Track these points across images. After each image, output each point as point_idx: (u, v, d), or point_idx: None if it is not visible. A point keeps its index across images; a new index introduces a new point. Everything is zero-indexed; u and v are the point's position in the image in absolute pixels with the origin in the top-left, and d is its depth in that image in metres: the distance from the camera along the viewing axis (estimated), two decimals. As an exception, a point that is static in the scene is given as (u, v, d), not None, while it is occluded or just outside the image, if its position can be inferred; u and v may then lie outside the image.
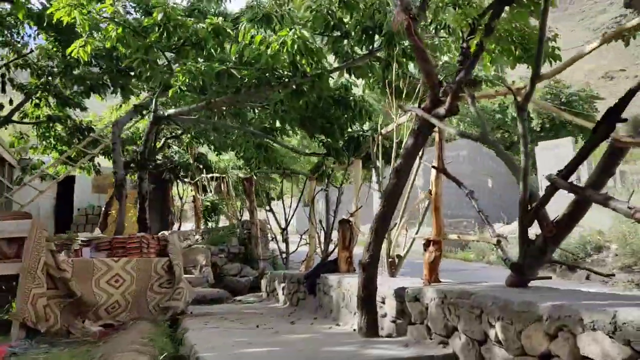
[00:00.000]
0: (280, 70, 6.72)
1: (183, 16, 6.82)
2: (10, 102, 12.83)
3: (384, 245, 4.87)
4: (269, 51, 6.05)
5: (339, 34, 6.70)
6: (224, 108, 7.99)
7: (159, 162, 15.90)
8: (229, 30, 6.63)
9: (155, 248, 7.22)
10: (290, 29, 5.88)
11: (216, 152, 14.78)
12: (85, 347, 4.62)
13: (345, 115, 7.85)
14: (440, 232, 4.18)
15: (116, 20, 6.66)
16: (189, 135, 14.12)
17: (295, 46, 5.79)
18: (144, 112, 8.76)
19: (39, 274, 5.00)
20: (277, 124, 8.09)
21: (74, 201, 19.18)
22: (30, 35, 14.64)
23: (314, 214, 7.95)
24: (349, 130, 8.08)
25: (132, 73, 8.24)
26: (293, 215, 9.21)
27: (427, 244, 4.14)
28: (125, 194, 8.30)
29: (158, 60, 7.01)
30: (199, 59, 6.72)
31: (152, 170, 16.14)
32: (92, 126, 13.43)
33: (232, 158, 14.45)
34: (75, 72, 9.20)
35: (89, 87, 9.20)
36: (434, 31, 6.49)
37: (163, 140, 15.07)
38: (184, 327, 5.77)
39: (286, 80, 6.78)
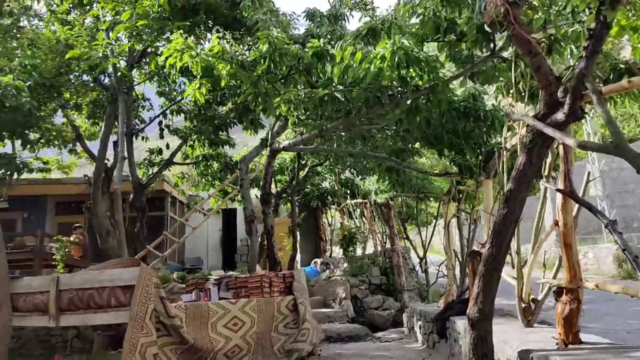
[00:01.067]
0: (390, 87, 6.06)
1: (288, 44, 6.55)
2: (167, 146, 13.98)
3: (516, 287, 3.90)
4: (371, 68, 5.46)
5: (453, 36, 5.84)
6: (342, 133, 7.54)
7: (306, 190, 16.08)
8: (332, 52, 6.18)
9: (279, 286, 6.95)
10: (390, 40, 5.22)
11: (360, 177, 14.46)
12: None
13: (477, 129, 6.87)
14: (575, 276, 3.13)
15: (224, 57, 6.63)
16: (330, 162, 14.02)
17: (396, 58, 5.11)
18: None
19: (147, 322, 4.96)
20: (400, 144, 7.40)
21: (236, 233, 20.27)
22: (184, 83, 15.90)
23: (449, 242, 7.02)
24: (487, 144, 7.07)
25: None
26: (430, 242, 8.32)
27: (559, 293, 3.13)
28: (255, 229, 8.25)
29: (268, 91, 6.82)
30: (300, 86, 6.38)
31: (300, 199, 16.39)
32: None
33: (378, 183, 14.01)
34: (209, 113, 9.55)
35: (216, 126, 9.48)
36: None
37: (307, 169, 15.18)
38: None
39: (398, 96, 6.09)
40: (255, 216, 8.40)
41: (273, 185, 16.80)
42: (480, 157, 6.70)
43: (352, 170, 13.83)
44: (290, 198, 15.24)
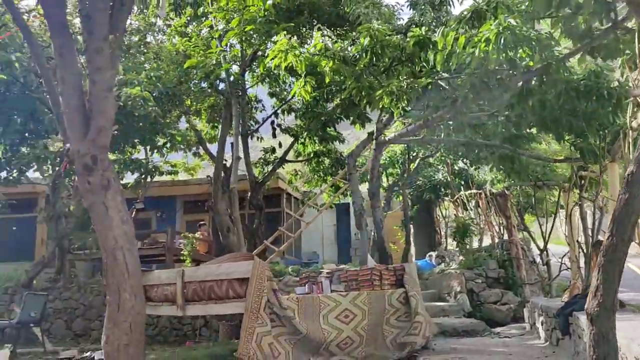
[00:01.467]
0: (498, 71, 5.76)
1: (390, 35, 6.49)
2: (280, 145, 14.51)
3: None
4: (476, 52, 5.23)
5: (568, 10, 5.41)
6: (450, 122, 7.29)
7: (418, 182, 15.82)
8: (435, 39, 6.02)
9: (389, 279, 6.93)
10: (495, 21, 4.97)
11: (474, 167, 13.93)
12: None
13: (601, 108, 6.31)
14: None
15: (326, 54, 6.73)
16: (441, 153, 13.68)
17: (502, 40, 4.85)
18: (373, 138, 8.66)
19: (261, 313, 5.21)
20: (513, 131, 7.01)
21: (351, 227, 20.46)
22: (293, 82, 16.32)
23: (572, 232, 6.53)
24: (613, 124, 6.46)
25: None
26: (550, 233, 7.79)
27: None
28: (365, 223, 8.30)
29: (372, 85, 6.81)
30: (402, 77, 6.28)
31: (412, 191, 16.16)
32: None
33: (492, 172, 13.42)
34: (316, 110, 9.75)
35: (323, 122, 9.65)
36: None
37: (418, 160, 14.94)
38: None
39: (507, 80, 5.78)
40: (365, 210, 8.44)
41: (384, 179, 16.77)
42: (604, 139, 6.14)
43: (464, 160, 13.38)
44: (401, 191, 15.11)
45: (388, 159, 15.98)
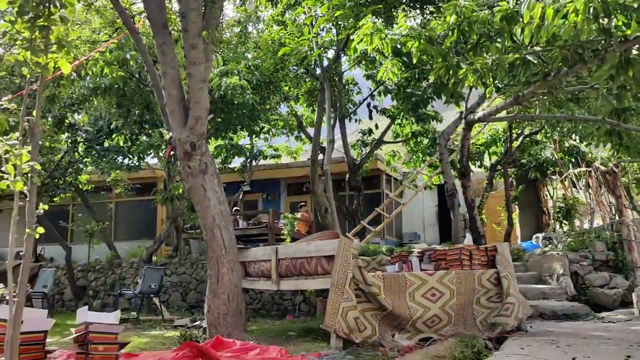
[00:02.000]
0: (592, 42, 5.42)
1: (476, 11, 6.34)
2: (376, 126, 14.60)
3: None
4: (566, 24, 4.99)
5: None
6: (545, 97, 6.95)
7: (522, 161, 15.14)
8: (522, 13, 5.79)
9: (480, 259, 6.87)
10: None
11: (586, 143, 13.08)
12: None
13: None
14: None
15: (412, 35, 6.74)
16: (546, 129, 12.99)
17: (591, 9, 4.59)
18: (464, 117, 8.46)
19: (346, 288, 5.45)
20: (616, 104, 6.53)
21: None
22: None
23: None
24: None
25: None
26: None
27: None
28: (458, 203, 8.21)
29: (459, 63, 6.71)
30: (489, 54, 6.10)
31: (516, 171, 15.50)
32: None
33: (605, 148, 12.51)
34: (408, 90, 9.73)
35: (414, 103, 9.59)
36: None
37: (521, 138, 14.28)
38: (501, 349, 5.28)
39: (602, 51, 5.43)
40: (457, 190, 8.35)
41: (486, 158, 16.24)
42: None
43: (574, 136, 12.60)
44: (503, 170, 14.56)
45: (490, 137, 15.45)
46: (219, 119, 9.44)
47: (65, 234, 15.85)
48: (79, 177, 13.25)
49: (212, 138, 9.73)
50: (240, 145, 12.62)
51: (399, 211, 12.71)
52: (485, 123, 14.56)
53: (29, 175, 1.85)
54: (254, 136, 10.82)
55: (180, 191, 10.97)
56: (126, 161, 12.18)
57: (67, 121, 10.22)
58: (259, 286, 6.92)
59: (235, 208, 16.04)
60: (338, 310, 5.32)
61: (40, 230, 1.86)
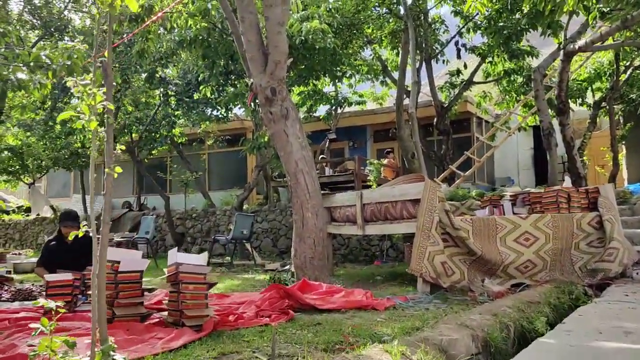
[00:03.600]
0: None
1: None
2: (465, 66, 13.82)
3: None
4: None
5: None
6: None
7: (631, 96, 13.78)
8: None
9: (580, 202, 6.40)
10: None
11: None
12: (474, 306, 4.61)
13: None
14: None
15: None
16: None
17: None
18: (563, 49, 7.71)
19: (433, 232, 5.29)
20: None
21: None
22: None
23: None
24: None
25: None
26: None
27: None
28: (555, 143, 7.63)
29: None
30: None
31: (621, 106, 14.18)
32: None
33: None
34: (499, 24, 9.03)
35: (506, 36, 8.87)
36: None
37: (630, 71, 12.93)
38: (602, 295, 4.95)
39: None
40: (554, 129, 7.75)
41: (589, 94, 14.96)
42: None
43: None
44: (609, 107, 13.36)
45: (593, 72, 14.17)
46: (301, 66, 9.35)
47: (163, 184, 16.85)
48: (173, 130, 13.89)
49: (295, 85, 9.67)
50: (325, 92, 12.47)
51: (490, 154, 12.15)
52: (587, 54, 13.35)
53: (105, 116, 1.86)
54: (337, 82, 10.58)
55: (267, 139, 11.14)
56: (215, 112, 12.52)
57: (157, 76, 10.59)
58: (345, 231, 6.94)
59: (321, 156, 16.16)
60: (424, 255, 5.20)
61: (118, 170, 1.89)
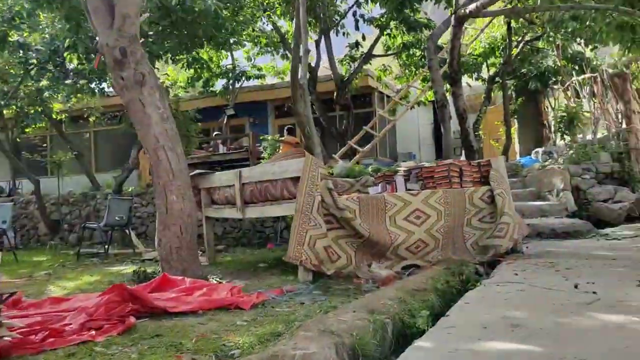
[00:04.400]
0: None
1: None
2: (363, 37, 13.40)
3: None
4: None
5: None
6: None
7: (523, 71, 14.07)
8: None
9: (472, 176, 6.09)
10: None
11: (590, 47, 11.97)
12: (357, 296, 4.08)
13: None
14: None
15: None
16: (549, 33, 11.84)
17: None
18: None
19: (314, 214, 4.70)
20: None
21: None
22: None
23: None
24: None
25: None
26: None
27: None
28: (449, 115, 7.32)
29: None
30: None
31: (516, 82, 14.47)
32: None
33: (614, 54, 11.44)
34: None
35: (399, 2, 8.44)
36: None
37: (521, 45, 13.13)
38: (492, 275, 4.62)
39: None
40: (448, 101, 7.43)
41: (484, 69, 15.13)
42: None
43: (578, 40, 11.50)
44: (502, 82, 13.54)
45: (488, 46, 14.30)
46: (181, 32, 8.35)
47: (41, 167, 15.11)
48: (51, 105, 12.32)
49: (177, 53, 8.67)
50: (223, 65, 11.49)
51: (389, 129, 11.86)
52: (481, 27, 13.40)
53: None
54: (225, 51, 9.66)
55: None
56: (92, 85, 11.17)
57: (11, 40, 9.11)
58: (226, 214, 6.22)
59: (215, 132, 15.19)
60: (304, 239, 4.60)
61: None
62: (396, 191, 6.50)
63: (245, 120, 18.59)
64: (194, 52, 8.52)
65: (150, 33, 8.86)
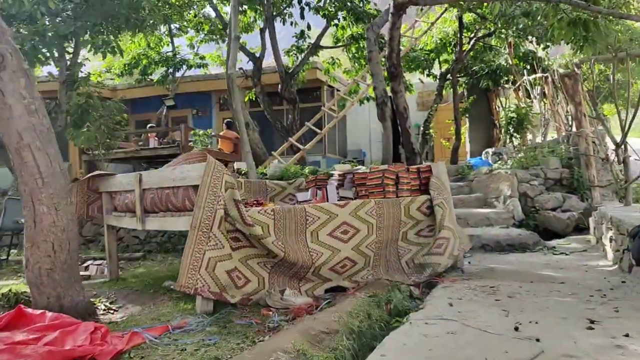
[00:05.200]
0: None
1: None
2: (308, 27, 12.63)
3: None
4: None
5: None
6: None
7: (474, 69, 13.62)
8: None
9: (410, 184, 5.43)
10: None
11: (542, 46, 11.58)
12: (258, 337, 3.32)
13: None
14: None
15: None
16: (500, 29, 11.40)
17: None
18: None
19: (215, 231, 3.90)
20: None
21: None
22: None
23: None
24: None
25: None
26: (631, 123, 5.87)
27: None
28: (389, 113, 6.64)
29: None
30: None
31: (468, 80, 14.03)
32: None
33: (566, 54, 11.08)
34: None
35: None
36: None
37: (473, 41, 12.67)
38: (423, 306, 3.95)
39: None
40: (387, 97, 6.75)
41: (436, 66, 14.63)
42: None
43: (529, 38, 11.10)
44: (453, 80, 13.05)
45: (440, 42, 13.78)
46: (95, 10, 7.34)
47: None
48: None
49: (91, 35, 7.62)
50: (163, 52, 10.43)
51: (331, 126, 11.13)
52: (432, 22, 12.86)
53: None
54: (137, 32, 8.63)
55: (78, 102, 8.94)
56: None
57: None
58: (125, 224, 5.33)
59: (149, 125, 14.12)
60: (201, 263, 3.79)
61: None
62: (327, 199, 5.79)
63: (188, 111, 17.56)
64: (109, 35, 7.51)
65: (66, 12, 7.84)
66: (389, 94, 6.71)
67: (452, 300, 3.94)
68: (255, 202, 5.24)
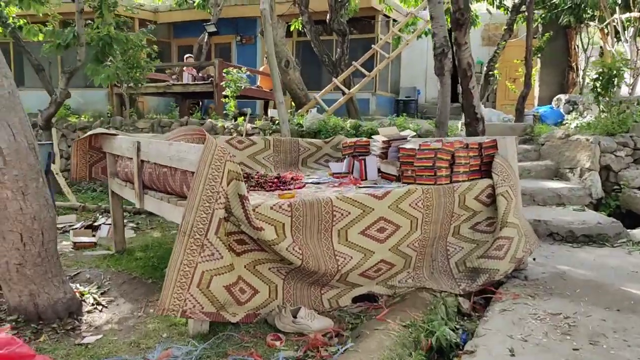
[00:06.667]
0: None
1: None
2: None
3: None
4: None
5: None
6: None
7: (554, 1, 11.75)
8: None
9: (468, 165, 4.34)
10: None
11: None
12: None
13: None
14: None
15: None
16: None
17: None
18: None
19: (210, 238, 3.04)
20: None
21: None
22: None
23: None
24: None
25: None
26: None
27: None
28: (449, 67, 5.43)
29: None
30: None
31: (545, 14, 12.19)
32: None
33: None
34: None
35: None
36: None
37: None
38: (476, 336, 3.06)
39: None
40: (449, 47, 5.49)
41: (508, -3, 12.77)
42: None
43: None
44: (527, 12, 11.27)
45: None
46: None
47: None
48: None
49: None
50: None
51: (383, 67, 9.89)
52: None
53: None
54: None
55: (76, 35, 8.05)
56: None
57: None
58: (126, 195, 4.59)
59: (187, 56, 13.18)
60: (191, 279, 2.98)
61: None
62: (365, 175, 4.83)
63: (232, 38, 16.45)
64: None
65: None
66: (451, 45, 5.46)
67: (514, 341, 3.01)
68: (280, 181, 4.35)
